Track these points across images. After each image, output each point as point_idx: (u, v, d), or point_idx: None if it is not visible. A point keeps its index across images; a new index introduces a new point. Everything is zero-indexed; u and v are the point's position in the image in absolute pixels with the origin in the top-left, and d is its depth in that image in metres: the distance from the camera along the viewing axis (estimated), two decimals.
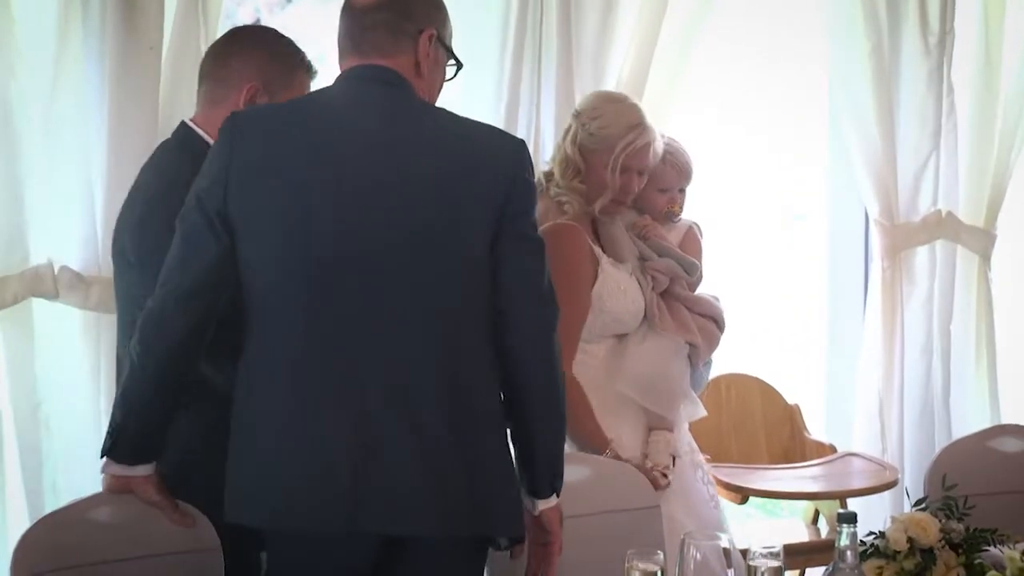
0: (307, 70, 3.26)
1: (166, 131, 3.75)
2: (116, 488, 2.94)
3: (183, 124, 3.22)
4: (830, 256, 5.26)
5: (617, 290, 3.65)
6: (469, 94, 4.10)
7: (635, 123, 3.66)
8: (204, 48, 3.76)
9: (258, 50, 3.18)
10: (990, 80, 4.94)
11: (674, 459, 3.68)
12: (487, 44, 4.16)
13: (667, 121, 4.36)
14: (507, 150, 2.86)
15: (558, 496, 2.95)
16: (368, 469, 2.72)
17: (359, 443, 2.72)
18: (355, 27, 2.89)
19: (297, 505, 2.76)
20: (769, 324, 7.63)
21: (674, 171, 3.84)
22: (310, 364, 2.76)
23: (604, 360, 3.68)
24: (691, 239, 3.91)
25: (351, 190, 2.75)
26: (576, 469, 3.40)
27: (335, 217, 2.74)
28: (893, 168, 4.83)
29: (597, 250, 3.67)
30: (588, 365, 3.66)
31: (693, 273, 3.80)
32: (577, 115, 3.74)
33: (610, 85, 4.28)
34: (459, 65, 2.99)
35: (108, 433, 2.91)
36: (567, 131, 3.76)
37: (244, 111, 2.96)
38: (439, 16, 2.93)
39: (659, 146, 3.73)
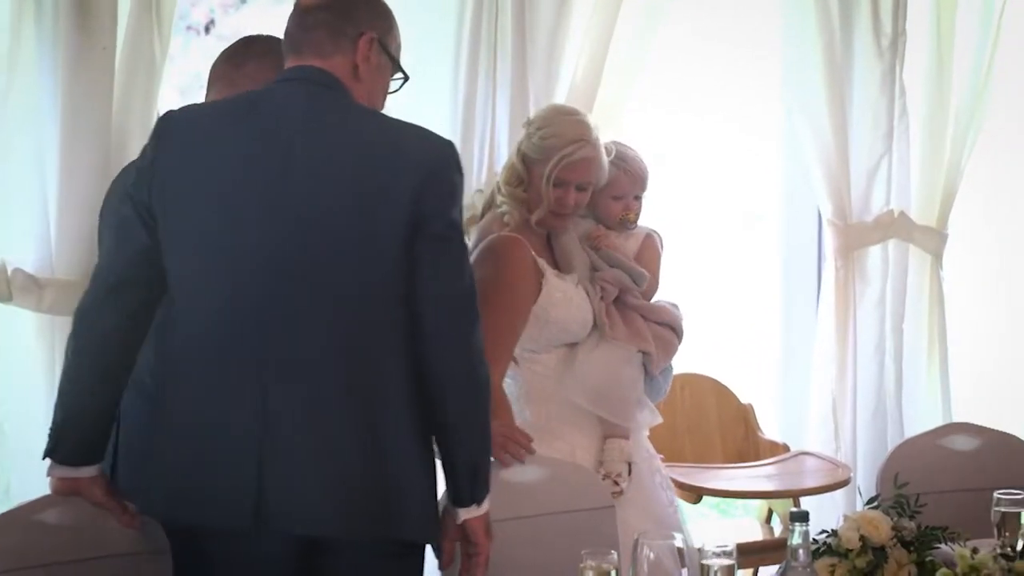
0: None
1: (120, 132, 3.74)
2: (63, 490, 2.93)
3: None
4: (783, 256, 5.29)
5: (562, 300, 3.64)
6: (424, 98, 4.10)
7: (577, 138, 3.63)
8: (157, 49, 3.77)
9: (271, 56, 3.16)
10: (942, 81, 4.97)
11: (630, 466, 3.68)
12: (441, 47, 4.16)
13: (621, 122, 4.38)
14: (427, 149, 2.84)
15: (479, 505, 2.93)
16: (272, 468, 2.72)
17: (263, 442, 2.73)
18: (296, 28, 2.91)
19: (205, 501, 2.77)
20: (723, 324, 7.65)
21: (628, 178, 3.83)
22: (220, 362, 2.77)
23: (555, 369, 3.69)
24: (648, 248, 3.90)
25: (265, 192, 2.76)
26: (530, 469, 3.41)
27: (247, 218, 2.76)
28: (846, 168, 4.86)
29: (541, 262, 3.65)
30: (539, 374, 3.68)
31: (642, 284, 3.79)
32: (528, 124, 3.75)
33: (564, 87, 4.30)
34: (405, 77, 2.99)
35: (49, 434, 2.90)
36: (518, 142, 3.76)
37: (176, 110, 2.96)
38: (383, 23, 2.93)
39: (604, 161, 3.71)
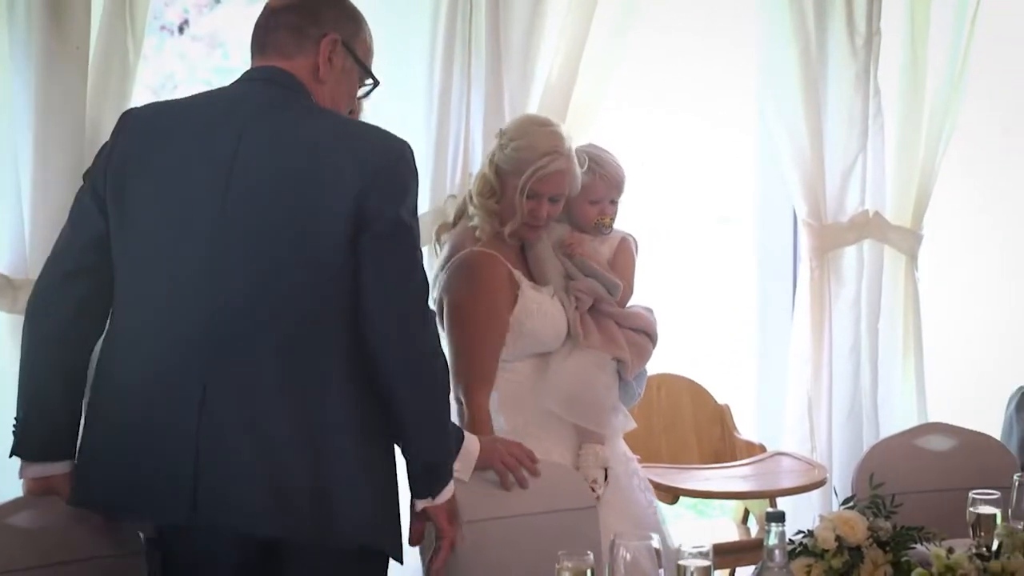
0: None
1: (93, 132, 3.72)
2: (37, 491, 2.91)
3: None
4: (759, 256, 5.29)
5: (537, 312, 3.65)
6: (399, 98, 4.10)
7: (550, 150, 3.63)
8: (131, 49, 3.75)
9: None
10: (916, 81, 4.98)
11: (606, 472, 3.68)
12: (416, 47, 4.16)
13: (596, 123, 4.38)
14: (376, 148, 2.82)
15: (434, 499, 2.94)
16: (209, 466, 2.71)
17: (201, 438, 2.71)
18: (262, 28, 2.92)
19: (143, 494, 2.78)
20: (699, 324, 7.66)
21: (603, 183, 3.83)
22: (158, 357, 2.76)
23: (529, 377, 3.70)
24: (623, 252, 3.89)
25: (209, 191, 2.76)
26: None
27: (192, 216, 2.76)
28: (821, 169, 4.87)
29: (517, 274, 3.66)
30: (513, 383, 3.68)
31: (615, 294, 3.78)
32: (501, 135, 3.74)
33: (539, 86, 4.29)
34: (375, 83, 2.98)
35: (13, 431, 2.89)
36: (490, 152, 3.76)
37: (138, 107, 2.99)
38: (349, 26, 2.93)
39: (577, 172, 3.70)
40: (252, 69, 2.90)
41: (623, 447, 3.86)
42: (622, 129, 4.91)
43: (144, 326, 2.79)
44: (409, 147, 2.86)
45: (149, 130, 2.87)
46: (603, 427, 3.74)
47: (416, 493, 2.94)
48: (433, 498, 2.94)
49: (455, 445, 3.08)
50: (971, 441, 3.88)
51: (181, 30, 6.08)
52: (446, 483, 2.95)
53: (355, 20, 2.95)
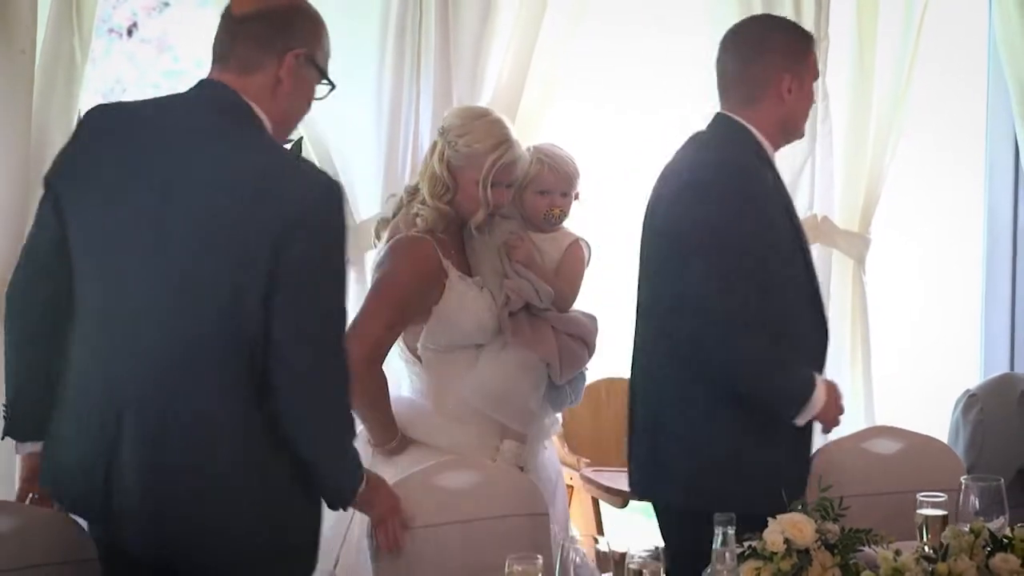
0: None
1: (39, 136, 3.70)
2: (32, 465, 2.95)
3: None
4: None
5: (459, 303, 3.69)
6: (349, 102, 4.10)
7: (502, 139, 3.70)
8: (78, 52, 3.74)
9: None
10: (864, 86, 5.01)
11: (522, 470, 3.69)
12: (366, 51, 4.16)
13: (545, 124, 4.40)
14: (300, 192, 2.71)
15: (346, 508, 3.01)
16: (117, 495, 2.72)
17: (111, 464, 2.72)
18: (225, 36, 2.85)
19: (68, 489, 2.84)
20: None
21: (552, 173, 3.85)
22: (90, 366, 2.78)
23: (460, 368, 3.73)
24: (570, 256, 3.91)
25: (149, 218, 2.72)
26: (465, 475, 3.42)
27: (118, 230, 2.75)
28: None
29: (446, 263, 3.70)
30: (443, 375, 3.73)
31: (546, 302, 3.79)
32: (443, 132, 3.75)
33: (489, 90, 4.30)
34: (332, 86, 2.96)
35: (3, 415, 2.94)
36: (433, 148, 3.77)
37: (97, 108, 2.93)
38: (315, 38, 2.89)
39: (525, 156, 3.77)
40: (206, 83, 2.85)
41: (552, 456, 3.89)
42: (572, 130, 4.91)
43: (88, 328, 2.79)
44: (337, 187, 2.76)
45: (103, 136, 2.83)
46: (523, 426, 3.76)
47: (330, 506, 2.94)
48: (345, 509, 3.01)
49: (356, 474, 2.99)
50: (918, 444, 3.89)
51: (130, 33, 6.05)
52: (353, 497, 2.95)
53: (320, 30, 2.91)
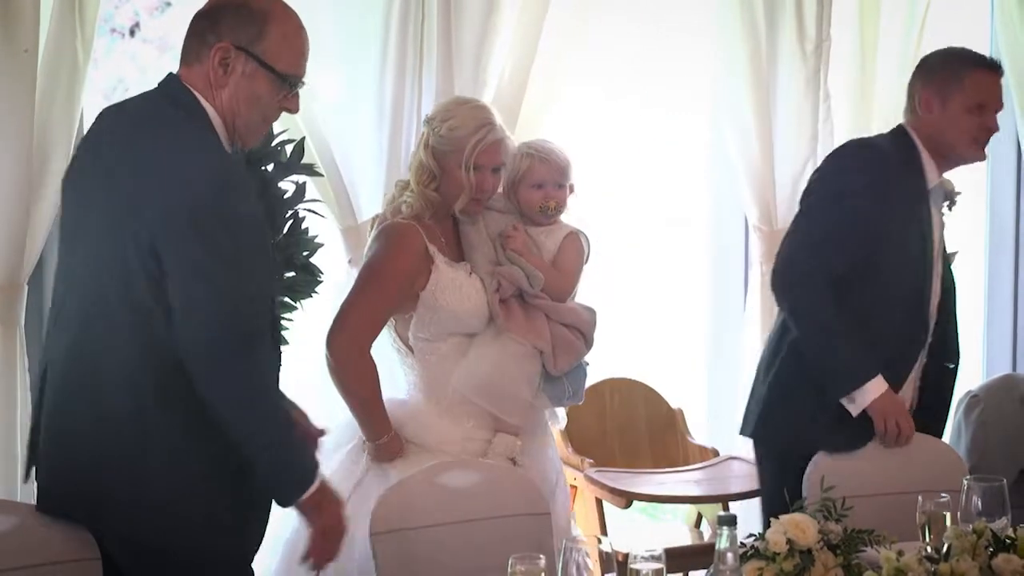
0: None
1: (42, 136, 3.70)
2: None
3: None
4: (711, 261, 5.30)
5: (451, 286, 3.69)
6: (352, 106, 4.10)
7: (484, 122, 3.71)
8: (80, 52, 3.74)
9: None
10: (865, 86, 5.01)
11: (514, 461, 3.69)
12: (368, 50, 4.16)
13: (547, 123, 4.40)
14: (188, 177, 2.82)
15: (288, 506, 2.99)
16: (40, 452, 2.95)
17: (36, 433, 2.98)
18: (187, 31, 2.99)
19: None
20: (652, 329, 7.67)
21: (543, 166, 3.85)
22: (49, 325, 3.03)
23: (451, 359, 3.72)
24: (567, 247, 3.89)
25: (83, 194, 2.93)
26: (465, 474, 3.43)
27: (71, 211, 2.98)
28: (771, 174, 4.89)
29: (432, 248, 3.70)
30: (434, 365, 3.72)
31: (536, 285, 3.79)
32: (429, 121, 3.77)
33: (491, 90, 4.31)
34: (293, 83, 2.97)
35: None
36: (420, 138, 3.79)
37: (105, 108, 3.05)
38: (248, 30, 2.92)
39: (511, 143, 3.78)
40: (166, 77, 2.98)
41: (554, 455, 3.87)
42: (575, 128, 4.91)
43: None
44: (225, 174, 2.86)
45: (91, 136, 3.00)
46: (516, 418, 3.74)
47: (280, 503, 3.00)
48: (284, 508, 3.02)
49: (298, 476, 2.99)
50: (920, 445, 3.89)
51: (132, 33, 6.05)
52: (298, 495, 2.95)
53: (256, 22, 2.93)
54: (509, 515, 3.39)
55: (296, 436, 2.98)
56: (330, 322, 3.63)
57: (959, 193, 3.96)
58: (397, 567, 3.20)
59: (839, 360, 3.75)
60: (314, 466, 2.98)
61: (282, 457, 2.92)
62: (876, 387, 3.72)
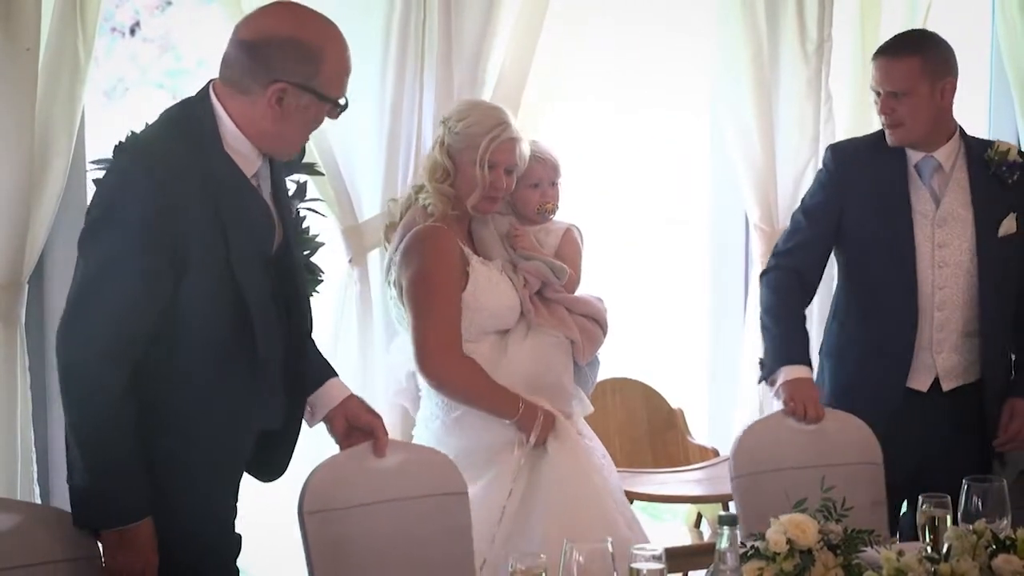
0: None
1: (42, 134, 3.70)
2: None
3: None
4: (712, 260, 5.30)
5: (488, 285, 3.71)
6: (352, 103, 4.09)
7: (500, 120, 3.74)
8: (81, 51, 3.74)
9: None
10: (866, 88, 4.99)
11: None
12: (369, 50, 4.16)
13: (545, 123, 4.40)
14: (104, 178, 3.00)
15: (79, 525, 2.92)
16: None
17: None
18: (229, 49, 2.96)
19: None
20: (653, 329, 7.68)
21: (539, 164, 3.89)
22: None
23: (488, 358, 3.72)
24: (568, 242, 3.95)
25: None
26: (388, 455, 3.37)
27: None
28: (773, 174, 4.89)
29: (467, 250, 3.73)
30: None
31: (562, 277, 3.83)
32: (444, 121, 3.81)
33: (490, 88, 4.31)
34: (339, 107, 3.01)
35: None
36: (436, 139, 3.82)
37: None
38: (304, 69, 2.91)
39: (525, 148, 3.79)
40: (204, 88, 2.98)
41: (596, 445, 3.88)
42: (574, 127, 4.92)
43: None
44: (119, 172, 2.92)
45: None
46: (565, 405, 3.79)
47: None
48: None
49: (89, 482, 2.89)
50: (836, 421, 3.89)
51: (132, 32, 6.05)
52: (91, 523, 2.90)
53: (313, 61, 2.92)
54: (426, 495, 3.37)
55: (129, 469, 2.86)
56: (412, 352, 3.66)
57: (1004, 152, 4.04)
58: (330, 545, 3.19)
59: (765, 346, 4.06)
60: (131, 511, 2.87)
61: (98, 485, 2.84)
62: (792, 372, 3.93)
